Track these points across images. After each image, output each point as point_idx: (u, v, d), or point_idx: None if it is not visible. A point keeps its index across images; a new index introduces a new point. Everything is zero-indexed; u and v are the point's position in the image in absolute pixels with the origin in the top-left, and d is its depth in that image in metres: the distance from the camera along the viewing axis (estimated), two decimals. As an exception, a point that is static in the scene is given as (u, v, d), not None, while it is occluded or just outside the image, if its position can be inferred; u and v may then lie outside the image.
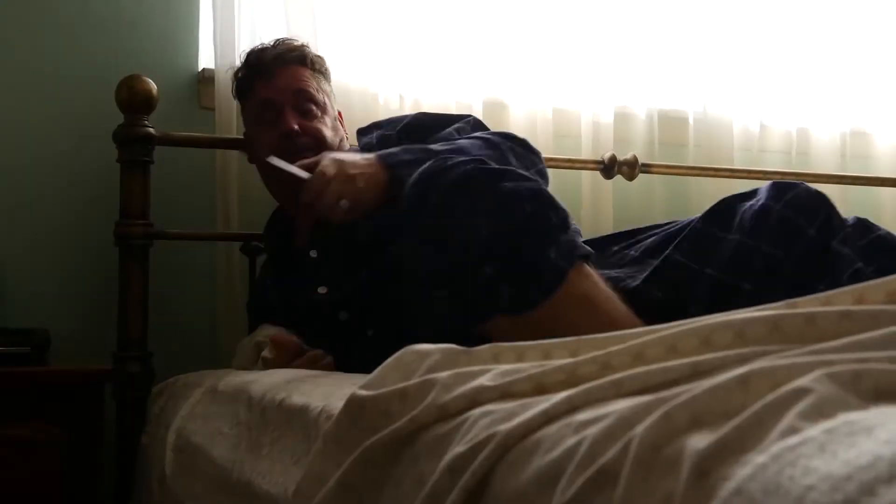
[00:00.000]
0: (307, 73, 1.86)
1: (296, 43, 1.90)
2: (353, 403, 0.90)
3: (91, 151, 2.04)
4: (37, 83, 2.05)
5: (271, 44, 1.89)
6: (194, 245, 2.11)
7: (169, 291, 2.06)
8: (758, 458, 0.52)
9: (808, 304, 0.78)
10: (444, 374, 0.86)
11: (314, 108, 1.83)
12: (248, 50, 1.91)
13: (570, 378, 0.79)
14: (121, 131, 1.91)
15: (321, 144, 1.77)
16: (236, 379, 1.53)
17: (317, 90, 1.85)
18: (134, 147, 1.91)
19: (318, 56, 1.92)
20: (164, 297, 2.02)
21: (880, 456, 0.47)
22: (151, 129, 1.91)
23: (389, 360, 0.94)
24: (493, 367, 0.86)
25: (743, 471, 0.52)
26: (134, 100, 1.90)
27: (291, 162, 1.59)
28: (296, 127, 1.77)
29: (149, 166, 1.92)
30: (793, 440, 0.52)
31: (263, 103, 1.82)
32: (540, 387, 0.80)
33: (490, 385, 0.82)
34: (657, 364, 0.74)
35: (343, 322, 1.75)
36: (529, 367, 0.84)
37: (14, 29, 2.04)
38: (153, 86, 1.91)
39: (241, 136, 1.97)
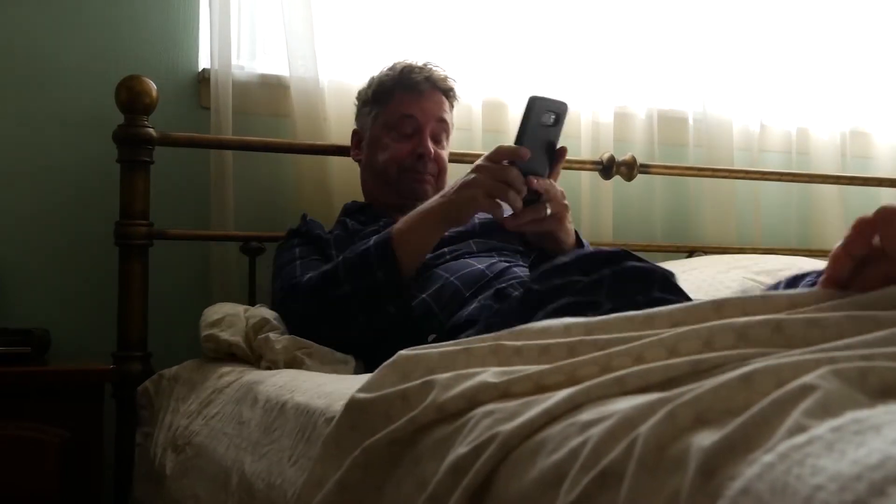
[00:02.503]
0: (447, 105, 1.99)
1: (444, 73, 2.00)
2: (353, 407, 0.89)
3: (91, 151, 2.04)
4: (37, 83, 2.05)
5: (422, 64, 1.98)
6: (193, 245, 2.11)
7: (167, 291, 2.05)
8: (765, 457, 0.52)
9: (809, 311, 0.77)
10: (444, 376, 0.86)
11: (445, 139, 1.98)
12: (397, 61, 1.99)
13: (569, 379, 0.78)
14: (121, 131, 1.90)
15: (442, 172, 1.96)
16: (243, 378, 1.52)
17: (450, 123, 1.99)
18: (134, 147, 1.90)
19: (455, 92, 2.02)
20: (163, 297, 2.01)
21: (890, 455, 0.47)
22: (151, 130, 1.91)
23: (387, 362, 0.93)
24: (493, 367, 0.86)
25: (750, 470, 0.52)
26: (134, 100, 1.89)
27: (414, 180, 1.90)
28: (432, 152, 1.92)
29: (149, 166, 1.92)
30: (800, 439, 0.52)
31: (406, 117, 1.94)
32: (540, 387, 0.79)
33: (490, 383, 0.81)
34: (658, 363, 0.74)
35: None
36: (529, 367, 0.83)
37: (14, 29, 2.04)
38: (153, 86, 1.91)
39: (237, 138, 1.95)
